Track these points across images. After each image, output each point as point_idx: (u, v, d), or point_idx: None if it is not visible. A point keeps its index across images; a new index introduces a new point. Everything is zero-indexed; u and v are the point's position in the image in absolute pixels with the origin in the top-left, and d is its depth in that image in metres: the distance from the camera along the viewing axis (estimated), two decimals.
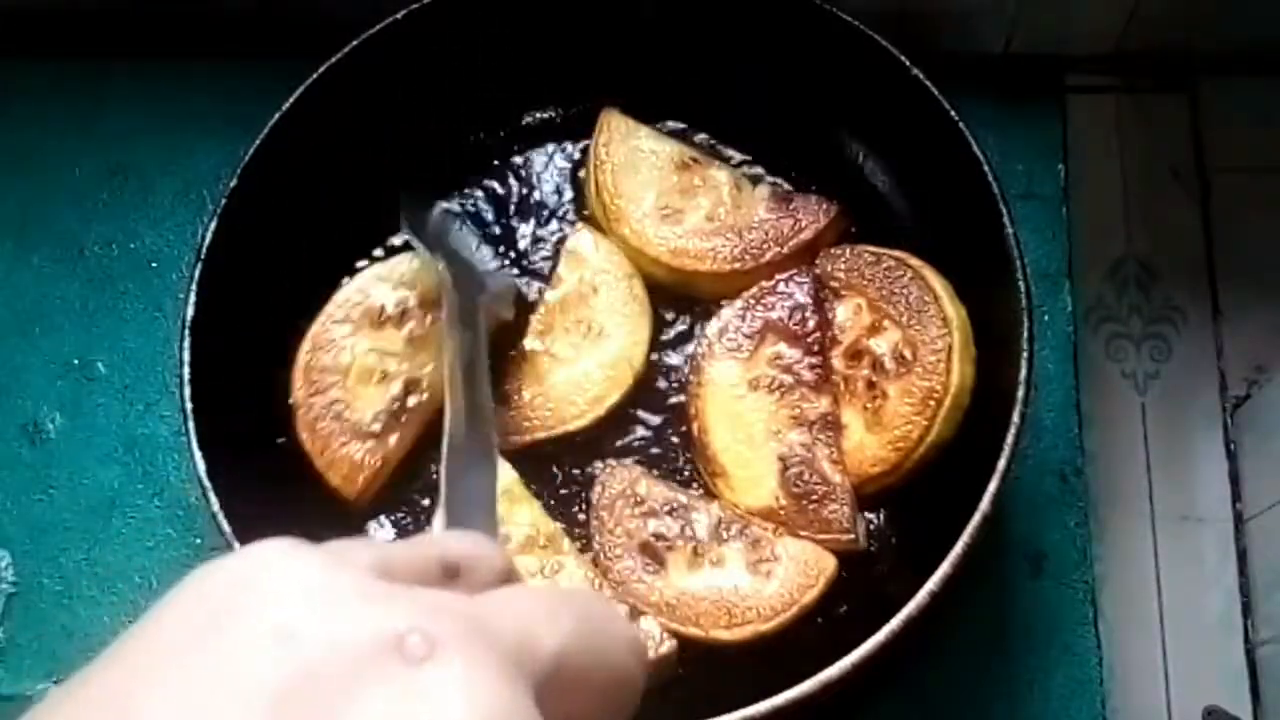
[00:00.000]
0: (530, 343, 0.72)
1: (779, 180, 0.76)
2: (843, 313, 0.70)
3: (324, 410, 0.68)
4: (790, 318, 0.71)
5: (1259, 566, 0.74)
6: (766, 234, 0.72)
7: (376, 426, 0.68)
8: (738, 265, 0.72)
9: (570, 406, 0.70)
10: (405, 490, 0.70)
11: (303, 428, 0.68)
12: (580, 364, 0.71)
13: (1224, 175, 0.83)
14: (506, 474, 0.69)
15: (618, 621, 0.34)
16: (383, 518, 0.70)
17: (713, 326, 0.71)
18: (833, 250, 0.72)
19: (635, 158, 0.75)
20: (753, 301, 0.71)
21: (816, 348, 0.70)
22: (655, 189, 0.74)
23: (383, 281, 0.72)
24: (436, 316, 0.70)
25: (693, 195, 0.74)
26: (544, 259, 0.76)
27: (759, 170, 0.76)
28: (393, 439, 0.68)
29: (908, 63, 0.67)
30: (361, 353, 0.70)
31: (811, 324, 0.70)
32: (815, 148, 0.75)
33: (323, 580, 0.28)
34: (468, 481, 0.49)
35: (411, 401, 0.69)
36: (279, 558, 0.29)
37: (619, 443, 0.71)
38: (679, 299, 0.74)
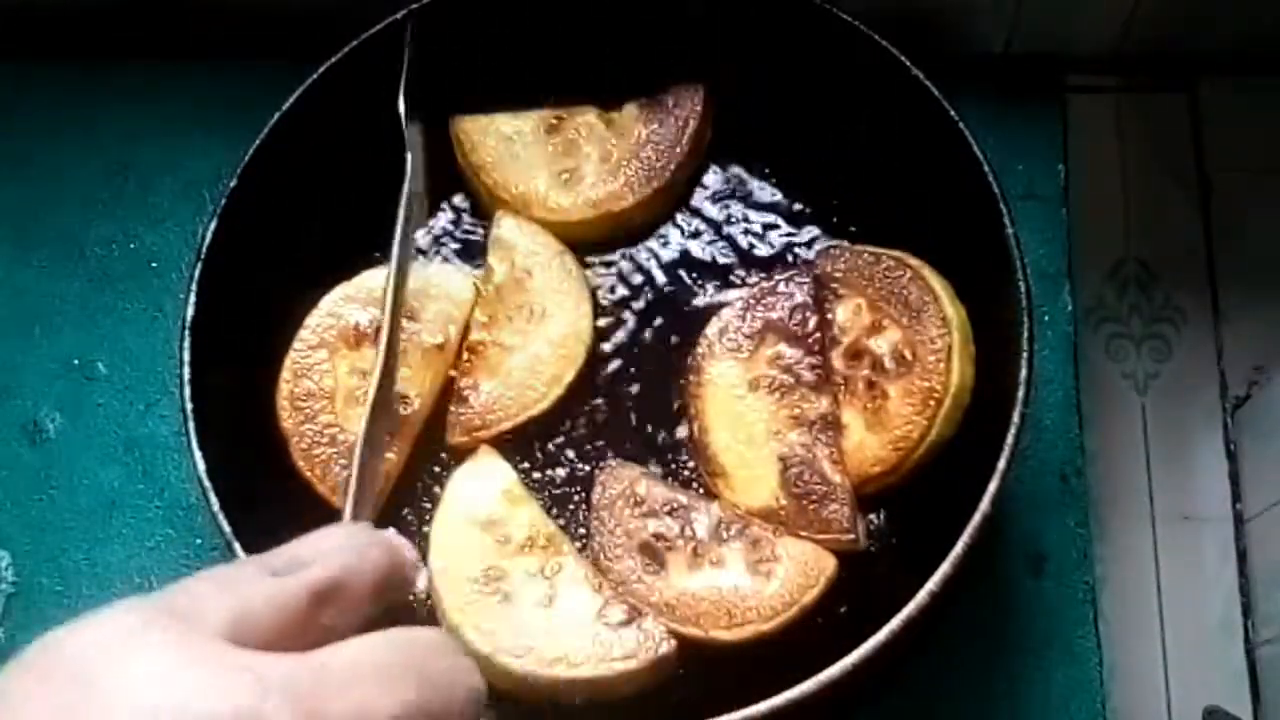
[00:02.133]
0: (477, 336, 0.72)
1: (639, 96, 0.76)
2: (843, 313, 0.70)
3: (318, 437, 0.68)
4: (790, 318, 0.71)
5: (1259, 566, 0.74)
6: (659, 145, 0.74)
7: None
8: (656, 184, 0.73)
9: (529, 391, 0.70)
10: (402, 500, 0.70)
11: (298, 457, 0.68)
12: (530, 348, 0.71)
13: (1224, 175, 0.83)
14: (507, 474, 0.69)
15: (461, 675, 0.34)
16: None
17: (712, 327, 0.71)
18: (832, 250, 0.72)
19: (504, 146, 0.75)
20: (753, 301, 0.71)
21: (816, 348, 0.70)
22: (542, 163, 0.75)
23: (351, 301, 0.71)
24: (410, 330, 0.70)
25: (577, 149, 0.75)
26: None
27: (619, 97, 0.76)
28: (390, 454, 0.68)
29: (908, 63, 0.67)
30: (344, 374, 0.70)
31: (811, 324, 0.70)
32: (815, 148, 0.75)
33: (170, 663, 0.29)
34: (376, 461, 0.49)
35: (403, 412, 0.69)
36: (124, 639, 0.29)
37: (620, 443, 0.71)
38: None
